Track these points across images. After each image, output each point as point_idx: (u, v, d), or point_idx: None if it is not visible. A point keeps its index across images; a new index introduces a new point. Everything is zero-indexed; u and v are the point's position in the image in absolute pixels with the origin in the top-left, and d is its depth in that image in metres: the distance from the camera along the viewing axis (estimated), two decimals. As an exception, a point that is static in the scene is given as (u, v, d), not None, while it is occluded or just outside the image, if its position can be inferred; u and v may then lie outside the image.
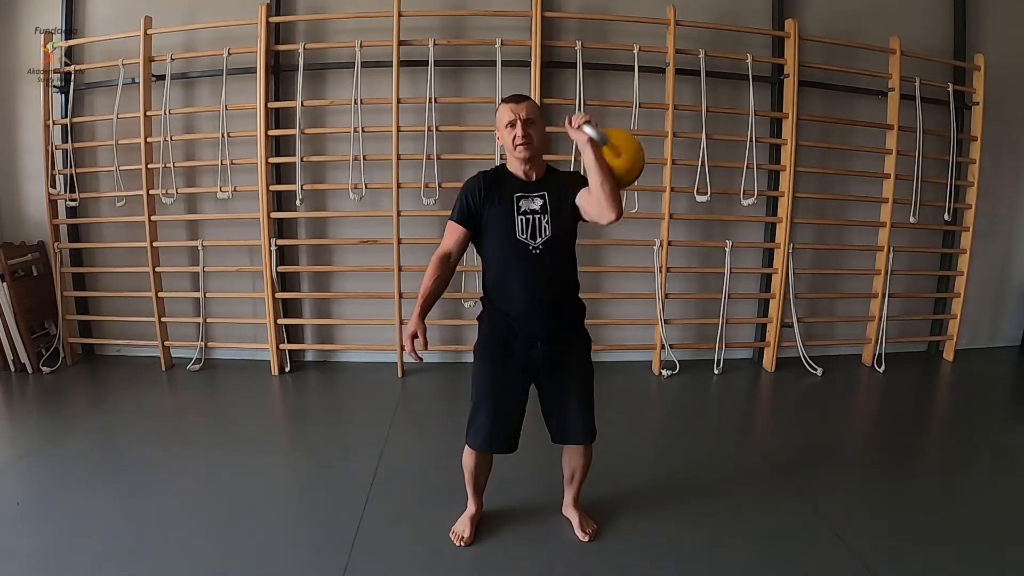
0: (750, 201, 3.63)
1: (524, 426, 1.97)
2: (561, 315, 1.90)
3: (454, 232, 1.88)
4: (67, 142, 3.67)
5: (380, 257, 3.68)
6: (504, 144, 1.86)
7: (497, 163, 3.45)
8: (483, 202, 1.85)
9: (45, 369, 3.70)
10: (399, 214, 3.52)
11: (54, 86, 3.67)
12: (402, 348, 3.66)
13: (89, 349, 4.01)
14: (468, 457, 2.01)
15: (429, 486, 2.39)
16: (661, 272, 3.67)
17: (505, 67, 3.48)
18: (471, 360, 2.00)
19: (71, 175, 3.70)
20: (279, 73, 3.63)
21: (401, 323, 3.62)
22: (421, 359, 1.87)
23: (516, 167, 1.87)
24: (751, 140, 3.61)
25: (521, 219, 1.83)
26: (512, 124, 1.81)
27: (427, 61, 3.45)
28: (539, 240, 1.83)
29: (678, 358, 3.81)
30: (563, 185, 1.87)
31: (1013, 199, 4.22)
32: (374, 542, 2.05)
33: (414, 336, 1.81)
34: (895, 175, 3.76)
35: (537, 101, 3.42)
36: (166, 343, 3.78)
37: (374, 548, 2.02)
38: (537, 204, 1.84)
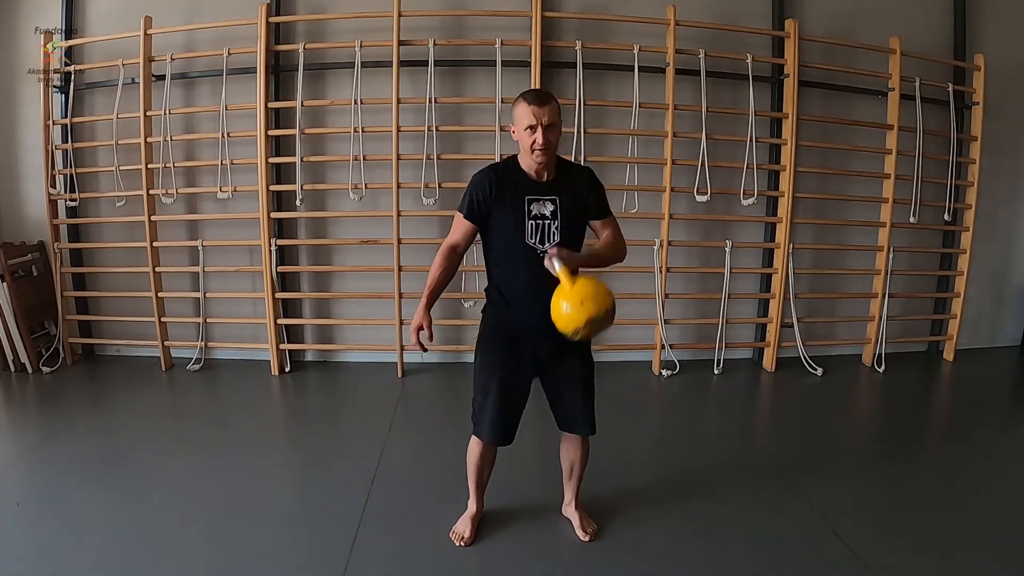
0: (750, 201, 3.63)
1: (524, 427, 1.98)
2: None
3: (462, 225, 1.87)
4: (67, 142, 3.66)
5: (380, 257, 3.68)
6: (520, 142, 1.81)
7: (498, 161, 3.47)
8: (493, 200, 1.82)
9: (45, 369, 3.70)
10: (399, 214, 3.52)
11: (54, 86, 3.67)
12: (402, 348, 3.67)
13: (89, 349, 4.01)
14: (475, 448, 2.01)
15: (429, 486, 2.39)
16: (661, 272, 3.67)
17: (505, 67, 3.48)
18: (471, 360, 2.00)
19: (71, 175, 3.69)
20: (279, 73, 3.63)
21: (401, 323, 3.62)
22: (426, 350, 1.88)
23: (529, 165, 1.83)
24: (751, 140, 3.61)
25: (532, 223, 1.82)
26: (533, 128, 1.75)
27: (427, 61, 3.45)
28: (548, 244, 1.82)
29: (678, 358, 3.81)
30: (576, 186, 1.87)
31: (1013, 199, 4.22)
32: (374, 542, 2.05)
33: (420, 328, 1.83)
34: (895, 175, 3.76)
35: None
36: (166, 343, 3.78)
37: (374, 548, 2.02)
38: (548, 209, 1.82)
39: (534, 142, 1.76)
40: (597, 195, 1.91)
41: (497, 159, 3.47)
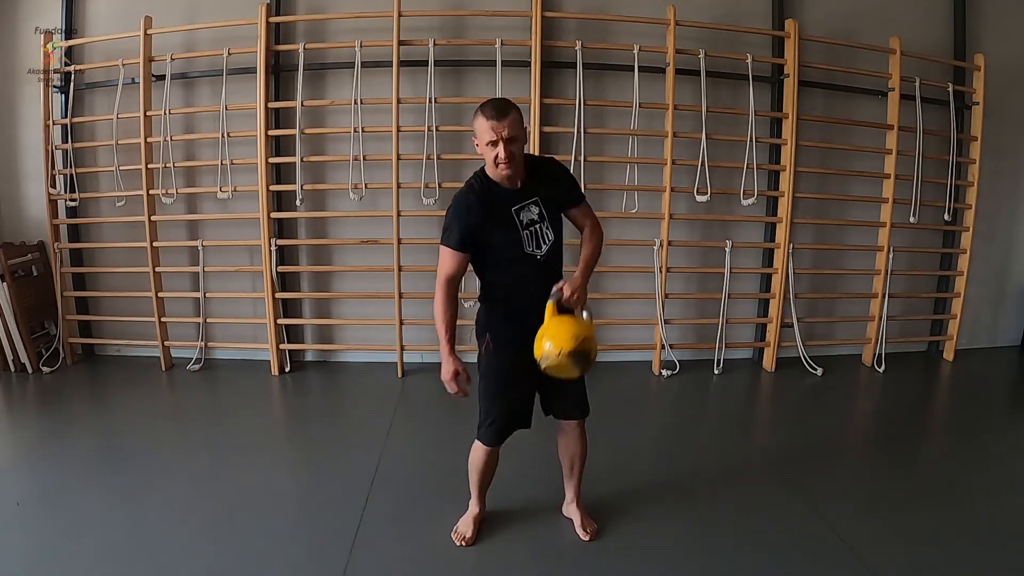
0: (750, 201, 3.63)
1: (524, 431, 1.98)
2: None
3: (455, 258, 1.81)
4: (67, 142, 3.66)
5: (380, 257, 3.68)
6: (484, 156, 1.78)
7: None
8: (483, 223, 1.78)
9: (45, 369, 3.70)
10: (399, 214, 3.52)
11: (54, 86, 3.66)
12: (402, 348, 3.67)
13: (89, 349, 4.01)
14: (480, 454, 1.99)
15: (429, 486, 2.39)
16: (661, 272, 3.67)
17: (505, 67, 3.47)
18: (471, 360, 2.00)
19: (71, 175, 3.69)
20: (279, 73, 3.63)
21: (401, 323, 3.62)
22: (467, 395, 1.85)
23: (499, 177, 1.80)
24: (751, 140, 3.61)
25: (526, 233, 1.82)
26: (494, 143, 1.72)
27: (427, 61, 3.45)
28: (544, 247, 1.85)
29: (678, 358, 3.80)
30: (549, 181, 1.88)
31: (1013, 199, 4.22)
32: (374, 542, 2.06)
33: (456, 374, 1.81)
34: (895, 175, 3.76)
35: (537, 102, 3.44)
36: (166, 343, 3.78)
37: (374, 548, 2.03)
38: (535, 212, 1.84)
39: (496, 156, 1.73)
40: (570, 183, 1.95)
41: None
